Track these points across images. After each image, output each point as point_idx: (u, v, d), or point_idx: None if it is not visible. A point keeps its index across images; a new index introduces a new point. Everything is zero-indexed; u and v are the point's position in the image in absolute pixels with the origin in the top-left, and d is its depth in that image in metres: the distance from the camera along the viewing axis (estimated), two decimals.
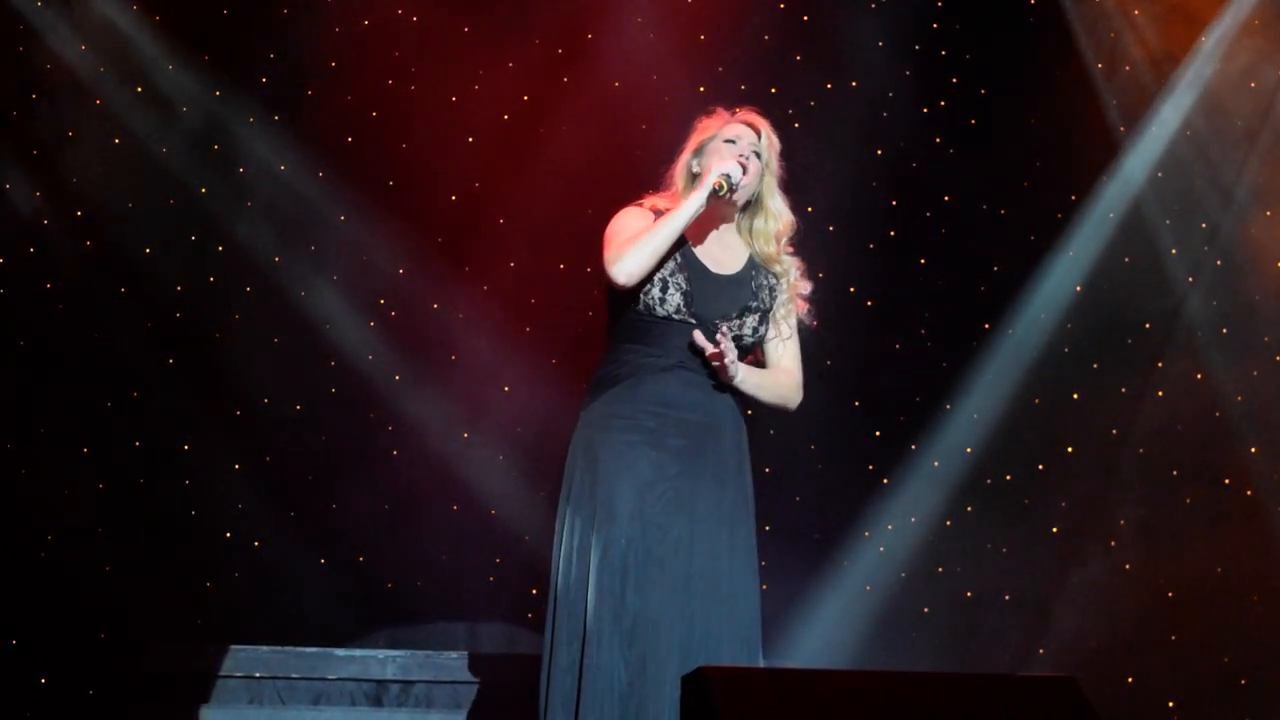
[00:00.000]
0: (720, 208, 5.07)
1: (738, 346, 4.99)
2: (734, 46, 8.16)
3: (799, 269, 5.21)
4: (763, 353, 5.19)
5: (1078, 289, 8.22)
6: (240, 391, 7.81)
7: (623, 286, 4.92)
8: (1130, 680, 7.90)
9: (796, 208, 5.32)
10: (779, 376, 5.14)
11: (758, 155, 5.11)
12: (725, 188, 4.91)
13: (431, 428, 7.85)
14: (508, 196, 7.95)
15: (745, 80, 8.19)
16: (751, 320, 5.05)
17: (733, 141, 5.11)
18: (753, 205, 5.17)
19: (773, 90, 8.24)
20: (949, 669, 7.68)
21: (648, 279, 4.95)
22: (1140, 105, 8.32)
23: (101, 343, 7.70)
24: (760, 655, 4.93)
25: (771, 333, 5.15)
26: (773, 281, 5.13)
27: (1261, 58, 8.29)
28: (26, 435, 7.61)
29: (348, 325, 7.88)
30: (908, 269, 8.27)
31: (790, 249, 5.21)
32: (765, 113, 5.09)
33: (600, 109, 7.86)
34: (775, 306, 5.13)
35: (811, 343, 7.73)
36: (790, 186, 8.04)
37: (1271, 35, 8.26)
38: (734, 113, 5.22)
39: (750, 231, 5.16)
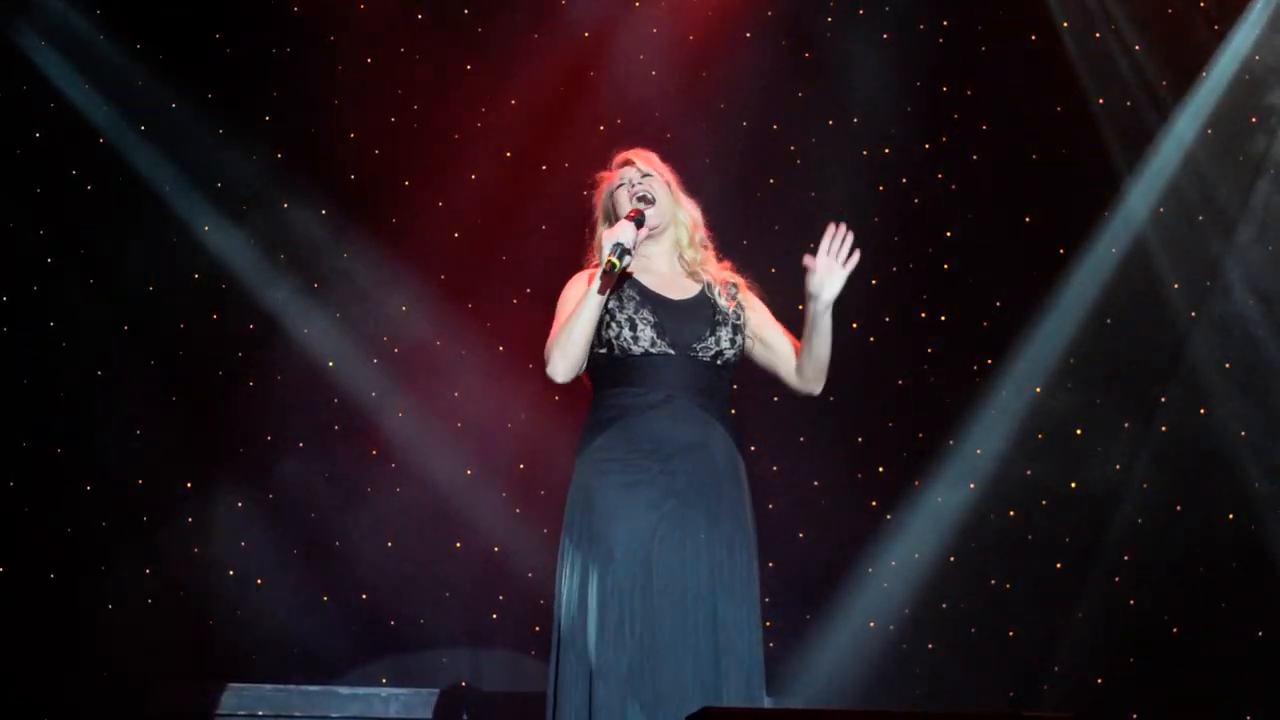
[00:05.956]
0: (654, 241, 5.08)
1: (719, 363, 5.00)
2: (736, 83, 8.19)
3: (729, 268, 5.21)
4: (763, 345, 5.14)
5: (1080, 324, 8.22)
6: (243, 428, 7.80)
7: (563, 383, 4.96)
8: (1135, 717, 7.88)
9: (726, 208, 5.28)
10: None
11: (649, 175, 5.13)
12: (617, 265, 4.88)
13: (434, 464, 7.85)
14: (510, 233, 7.97)
15: (747, 117, 8.22)
16: (725, 333, 5.03)
17: (621, 186, 5.14)
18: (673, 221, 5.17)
19: (775, 127, 8.27)
20: (952, 706, 7.66)
21: (613, 323, 4.95)
22: (1142, 140, 8.34)
23: (104, 380, 7.70)
24: (762, 683, 4.91)
25: (760, 323, 5.14)
26: (731, 290, 5.13)
27: (1262, 91, 8.31)
28: (30, 473, 7.60)
29: (350, 362, 7.89)
30: (910, 304, 8.28)
31: (711, 250, 5.19)
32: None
33: (603, 146, 7.87)
34: (744, 311, 5.12)
35: None
36: (793, 222, 8.11)
37: (1272, 69, 8.29)
38: (611, 166, 5.24)
39: (677, 246, 5.17)
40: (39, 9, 7.76)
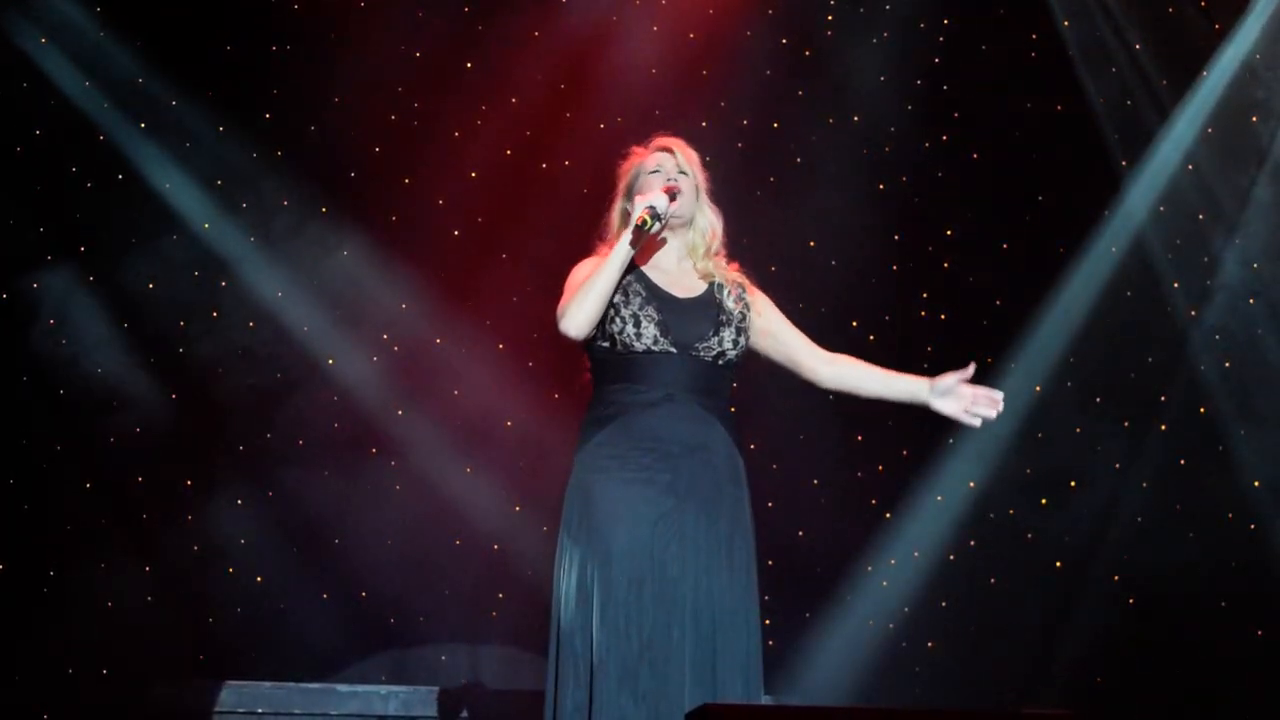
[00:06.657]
0: (671, 234, 5.09)
1: (721, 363, 5.00)
2: (736, 81, 8.19)
3: (737, 268, 5.22)
4: (774, 342, 5.18)
5: (1080, 323, 8.22)
6: (242, 426, 7.80)
7: (575, 339, 4.94)
8: (1135, 717, 7.87)
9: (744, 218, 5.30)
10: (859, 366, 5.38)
11: (684, 174, 5.13)
12: (650, 222, 4.89)
13: (434, 462, 7.85)
14: (510, 232, 7.97)
15: (748, 115, 8.22)
16: (729, 334, 5.04)
17: (656, 171, 5.13)
18: (690, 223, 5.18)
19: (775, 125, 8.27)
20: (952, 704, 7.66)
21: (616, 317, 4.94)
22: (1142, 139, 8.34)
23: (103, 378, 7.69)
24: (760, 682, 4.92)
25: (768, 321, 5.16)
26: (739, 291, 5.13)
27: (1263, 91, 8.32)
28: (28, 471, 7.60)
29: (350, 360, 7.88)
30: (910, 303, 8.28)
31: (722, 255, 5.20)
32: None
33: (602, 145, 7.87)
34: (750, 313, 5.12)
35: None
36: (793, 221, 8.11)
37: (1272, 69, 8.29)
38: (648, 144, 5.24)
39: (690, 248, 5.17)
40: (40, 7, 7.75)
